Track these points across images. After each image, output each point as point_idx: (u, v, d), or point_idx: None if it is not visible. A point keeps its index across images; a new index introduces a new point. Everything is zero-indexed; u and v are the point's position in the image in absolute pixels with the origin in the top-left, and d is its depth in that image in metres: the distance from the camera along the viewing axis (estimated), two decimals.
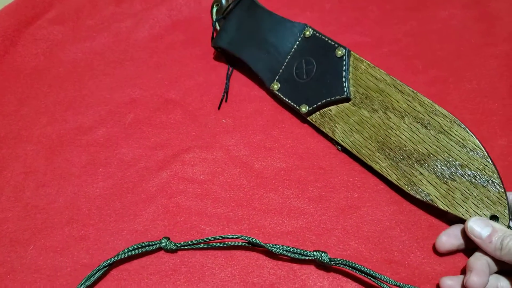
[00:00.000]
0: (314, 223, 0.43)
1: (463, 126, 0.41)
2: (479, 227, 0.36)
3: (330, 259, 0.38)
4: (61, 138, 0.52)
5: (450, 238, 0.39)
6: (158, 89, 0.56)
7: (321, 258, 0.38)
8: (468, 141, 0.40)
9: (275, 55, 0.52)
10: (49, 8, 0.66)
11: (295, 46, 0.51)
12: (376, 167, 0.44)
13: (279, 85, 0.51)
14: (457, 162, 0.40)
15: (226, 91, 0.55)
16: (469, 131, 0.41)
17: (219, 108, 0.53)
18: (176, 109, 0.54)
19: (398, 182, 0.42)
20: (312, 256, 0.39)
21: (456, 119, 0.41)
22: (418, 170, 0.42)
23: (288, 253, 0.39)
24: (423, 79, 0.54)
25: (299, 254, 0.39)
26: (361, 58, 0.47)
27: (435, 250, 0.40)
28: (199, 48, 0.60)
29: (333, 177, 0.46)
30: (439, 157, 0.41)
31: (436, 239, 0.40)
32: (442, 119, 0.42)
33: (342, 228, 0.43)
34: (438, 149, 0.41)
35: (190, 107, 0.54)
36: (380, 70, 0.46)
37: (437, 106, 0.42)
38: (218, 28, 0.57)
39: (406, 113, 0.44)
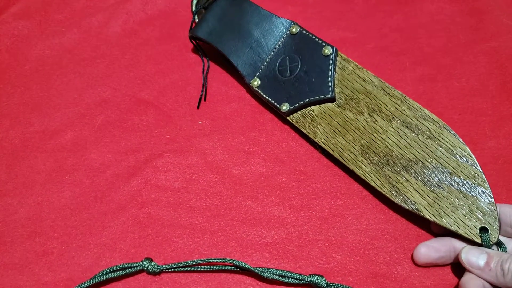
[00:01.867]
0: (296, 233, 0.41)
1: (453, 132, 0.39)
2: (475, 256, 0.33)
3: (327, 284, 0.36)
4: (25, 143, 0.49)
5: (429, 250, 0.36)
6: (130, 88, 0.53)
7: (317, 282, 0.36)
8: (458, 148, 0.38)
9: (258, 50, 0.49)
10: (14, 1, 0.62)
11: (280, 42, 0.48)
12: (358, 172, 0.41)
13: (259, 81, 0.48)
14: (446, 170, 0.38)
15: (205, 89, 0.51)
16: (459, 138, 0.38)
17: (198, 107, 0.50)
18: (149, 110, 0.50)
19: (382, 189, 0.40)
20: (307, 281, 0.36)
21: (446, 125, 0.39)
22: (404, 177, 0.39)
23: (281, 278, 0.36)
24: (410, 77, 0.51)
25: (293, 278, 0.36)
26: (349, 59, 0.45)
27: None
28: (175, 45, 0.56)
29: (315, 183, 0.43)
30: (427, 163, 0.39)
31: (414, 250, 0.37)
32: (432, 124, 0.40)
33: (325, 238, 0.40)
34: (426, 155, 0.39)
35: (164, 107, 0.51)
36: (368, 71, 0.44)
37: (426, 111, 0.40)
38: (197, 20, 0.54)
39: (394, 117, 0.41)
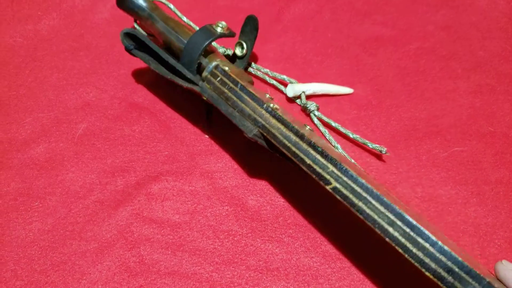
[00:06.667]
0: None
1: None
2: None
3: None
4: None
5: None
6: (120, 89, 0.44)
7: None
8: None
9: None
10: None
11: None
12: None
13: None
14: None
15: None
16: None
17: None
18: (143, 118, 0.41)
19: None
20: None
21: None
22: None
23: None
24: (463, 87, 0.42)
25: None
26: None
27: None
28: None
29: (355, 221, 0.34)
30: None
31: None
32: None
33: None
34: None
35: (162, 115, 0.41)
36: None
37: None
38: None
39: None
